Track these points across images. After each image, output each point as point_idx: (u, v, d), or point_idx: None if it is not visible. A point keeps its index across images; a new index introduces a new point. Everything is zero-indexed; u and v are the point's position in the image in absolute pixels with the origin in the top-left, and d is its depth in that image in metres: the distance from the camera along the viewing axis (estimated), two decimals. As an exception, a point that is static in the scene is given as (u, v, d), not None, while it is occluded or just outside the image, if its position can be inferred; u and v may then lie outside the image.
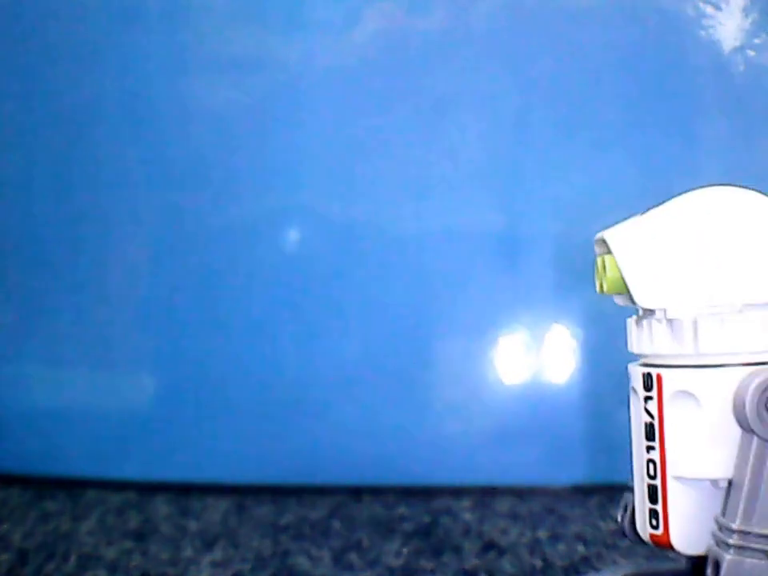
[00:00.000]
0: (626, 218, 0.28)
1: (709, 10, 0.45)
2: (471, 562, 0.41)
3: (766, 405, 0.25)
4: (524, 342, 0.48)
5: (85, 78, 0.49)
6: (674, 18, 0.45)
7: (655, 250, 0.27)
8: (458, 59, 0.47)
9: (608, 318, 0.48)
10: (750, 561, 0.26)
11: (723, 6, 0.45)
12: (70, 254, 0.51)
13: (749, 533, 0.25)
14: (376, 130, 0.48)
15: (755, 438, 0.25)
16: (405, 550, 0.42)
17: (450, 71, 0.47)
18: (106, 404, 0.51)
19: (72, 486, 0.51)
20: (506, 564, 0.40)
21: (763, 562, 0.26)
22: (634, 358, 0.28)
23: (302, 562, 0.41)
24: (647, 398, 0.27)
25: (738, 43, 0.45)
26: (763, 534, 0.25)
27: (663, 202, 0.29)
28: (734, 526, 0.25)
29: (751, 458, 0.26)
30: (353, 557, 0.42)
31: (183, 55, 0.49)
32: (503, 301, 0.48)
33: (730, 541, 0.25)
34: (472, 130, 0.47)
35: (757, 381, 0.25)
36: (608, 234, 0.27)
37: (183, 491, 0.50)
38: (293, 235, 0.49)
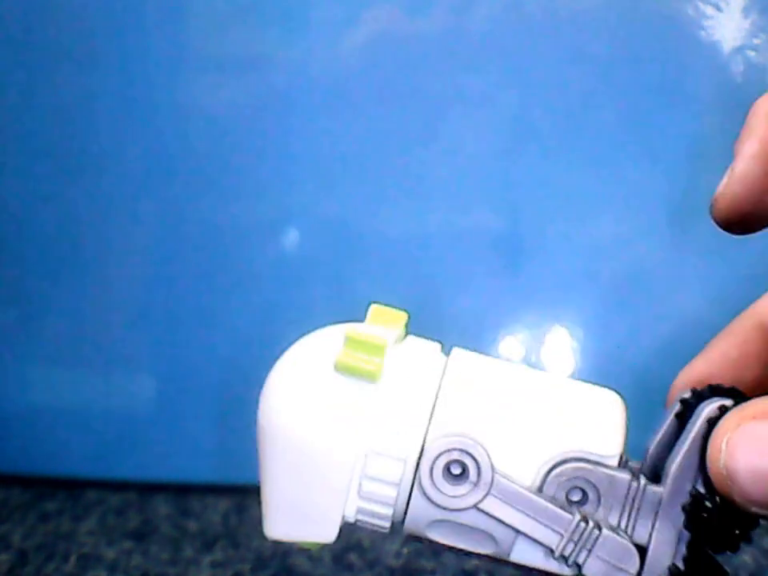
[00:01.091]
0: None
1: (709, 10, 0.45)
2: (471, 562, 0.41)
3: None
4: (524, 342, 0.48)
5: (84, 77, 0.49)
6: (674, 18, 0.45)
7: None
8: (458, 60, 0.47)
9: (607, 318, 0.48)
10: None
11: (723, 6, 0.45)
12: (70, 254, 0.51)
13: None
14: (376, 130, 0.48)
15: None
16: (405, 550, 0.42)
17: (450, 71, 0.47)
18: (105, 404, 0.51)
19: (72, 486, 0.51)
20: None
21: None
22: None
23: (301, 562, 0.42)
24: None
25: (737, 43, 0.45)
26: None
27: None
28: None
29: None
30: (353, 557, 0.42)
31: (183, 55, 0.49)
32: (503, 301, 0.48)
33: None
34: (472, 130, 0.47)
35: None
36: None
37: (183, 491, 0.50)
38: (292, 235, 0.49)
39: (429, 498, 0.26)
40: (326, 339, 0.28)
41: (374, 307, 0.29)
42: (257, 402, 0.50)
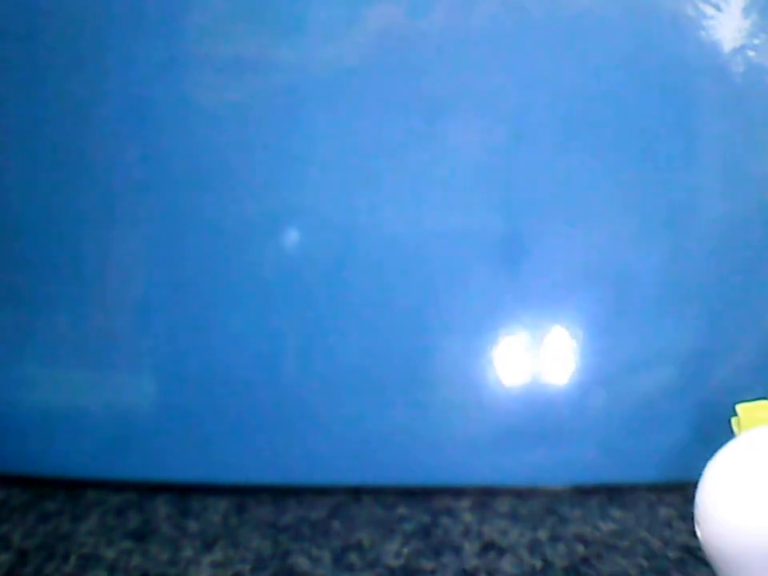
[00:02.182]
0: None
1: (709, 10, 0.45)
2: (471, 562, 0.41)
3: None
4: (524, 343, 0.48)
5: (83, 77, 0.49)
6: (674, 18, 0.45)
7: None
8: (458, 59, 0.47)
9: (607, 318, 0.48)
10: None
11: (723, 6, 0.45)
12: (70, 254, 0.51)
13: None
14: (376, 130, 0.48)
15: None
16: (405, 550, 0.42)
17: (450, 71, 0.47)
18: (105, 404, 0.51)
19: (72, 486, 0.51)
20: (506, 564, 0.40)
21: None
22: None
23: (301, 562, 0.41)
24: None
25: (738, 43, 0.45)
26: None
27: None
28: None
29: None
30: (353, 557, 0.42)
31: (183, 55, 0.49)
32: (503, 301, 0.48)
33: None
34: (472, 130, 0.47)
35: None
36: None
37: (183, 491, 0.50)
38: (292, 235, 0.49)
39: None
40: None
41: (742, 408, 0.29)
42: (256, 400, 0.50)
